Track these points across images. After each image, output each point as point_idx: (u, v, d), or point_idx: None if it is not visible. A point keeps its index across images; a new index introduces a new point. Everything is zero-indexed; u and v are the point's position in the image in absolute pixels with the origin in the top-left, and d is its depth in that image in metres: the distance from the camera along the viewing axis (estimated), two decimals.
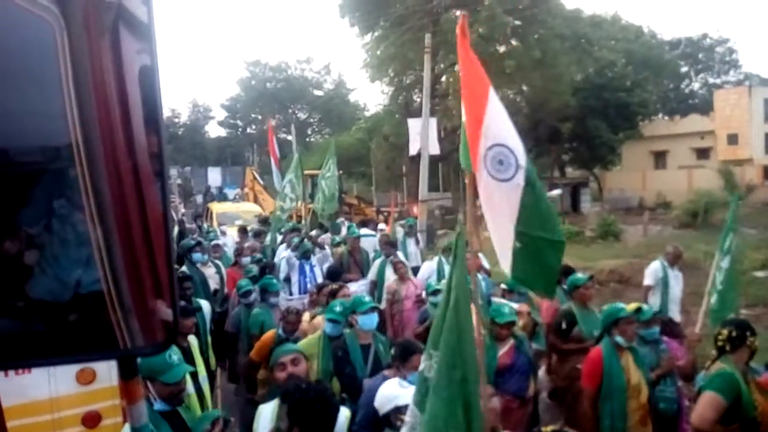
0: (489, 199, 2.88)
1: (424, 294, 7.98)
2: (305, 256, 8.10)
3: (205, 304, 6.34)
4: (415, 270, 9.04)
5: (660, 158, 37.51)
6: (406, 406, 3.14)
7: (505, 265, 2.87)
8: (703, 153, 35.55)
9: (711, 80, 46.58)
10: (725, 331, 3.61)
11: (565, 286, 5.79)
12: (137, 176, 1.10)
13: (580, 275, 5.61)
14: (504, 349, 4.63)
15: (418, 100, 28.82)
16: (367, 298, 4.80)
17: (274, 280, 6.67)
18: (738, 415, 3.39)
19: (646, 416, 4.08)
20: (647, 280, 7.23)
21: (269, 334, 5.20)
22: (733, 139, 33.69)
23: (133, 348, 1.00)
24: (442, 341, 2.27)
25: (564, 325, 5.15)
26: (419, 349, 4.00)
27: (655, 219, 25.90)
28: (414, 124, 21.80)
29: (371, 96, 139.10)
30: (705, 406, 3.42)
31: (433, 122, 21.30)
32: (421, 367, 2.40)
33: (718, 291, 4.96)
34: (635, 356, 4.15)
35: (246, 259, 8.49)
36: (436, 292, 6.12)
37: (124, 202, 1.09)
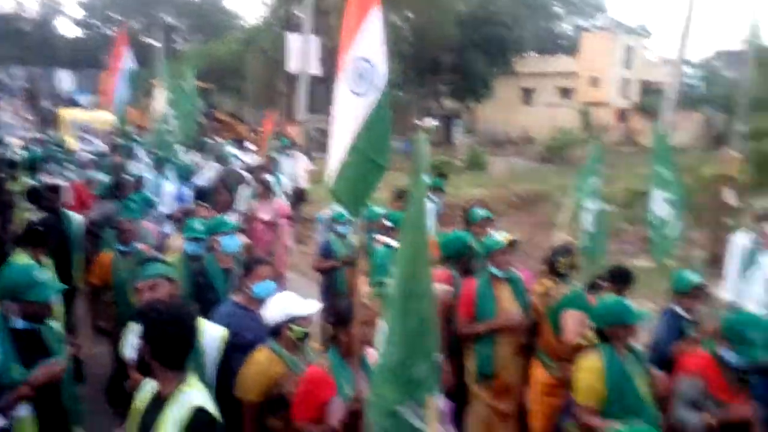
0: (340, 110, 2.94)
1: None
2: (186, 178, 7.49)
3: (76, 217, 5.78)
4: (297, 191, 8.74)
5: (528, 95, 39.37)
6: (300, 317, 3.08)
7: (331, 178, 2.96)
8: (566, 93, 37.78)
9: (580, 22, 48.78)
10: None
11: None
12: None
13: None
14: None
15: (301, 15, 27.51)
16: (230, 220, 4.60)
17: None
18: None
19: (522, 348, 4.25)
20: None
21: (107, 255, 4.89)
22: (594, 82, 36.08)
23: None
24: (399, 255, 2.32)
25: None
26: (264, 261, 3.93)
27: (519, 153, 27.49)
28: (294, 40, 20.88)
29: (249, 5, 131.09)
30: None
31: (314, 40, 20.54)
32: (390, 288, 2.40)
33: (589, 233, 4.84)
34: (513, 287, 4.30)
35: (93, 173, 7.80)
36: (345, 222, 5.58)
37: None
